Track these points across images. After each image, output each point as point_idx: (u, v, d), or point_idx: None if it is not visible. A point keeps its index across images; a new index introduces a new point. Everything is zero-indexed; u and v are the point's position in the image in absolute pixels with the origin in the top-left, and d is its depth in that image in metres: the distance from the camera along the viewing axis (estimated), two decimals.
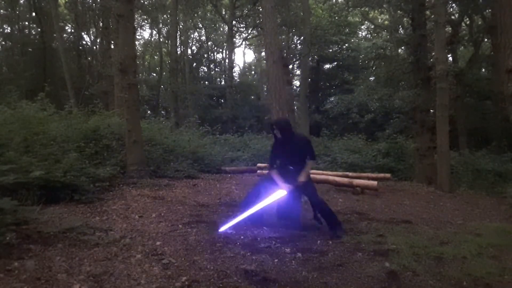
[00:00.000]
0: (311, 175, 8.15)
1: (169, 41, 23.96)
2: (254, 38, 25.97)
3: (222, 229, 3.89)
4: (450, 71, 10.34)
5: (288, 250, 3.45)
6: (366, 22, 22.84)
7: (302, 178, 4.03)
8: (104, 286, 2.50)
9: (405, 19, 13.83)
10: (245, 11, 21.65)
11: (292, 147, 4.12)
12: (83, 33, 20.93)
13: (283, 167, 4.14)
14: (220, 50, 30.37)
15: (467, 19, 14.92)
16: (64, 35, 20.91)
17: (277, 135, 4.13)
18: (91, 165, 5.71)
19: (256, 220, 4.14)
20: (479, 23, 14.76)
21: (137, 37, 25.19)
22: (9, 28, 21.69)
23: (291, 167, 4.09)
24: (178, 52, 23.27)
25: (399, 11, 13.20)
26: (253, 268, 2.94)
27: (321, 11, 20.88)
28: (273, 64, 7.59)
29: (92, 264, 2.83)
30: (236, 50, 34.21)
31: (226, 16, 23.08)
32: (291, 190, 4.03)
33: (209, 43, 29.50)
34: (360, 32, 24.35)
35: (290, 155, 4.13)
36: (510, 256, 3.43)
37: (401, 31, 15.64)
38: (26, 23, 22.02)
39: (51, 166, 4.75)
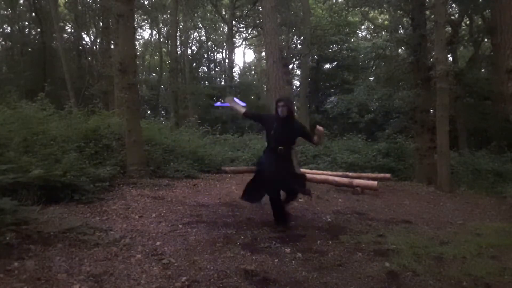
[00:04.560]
0: (311, 175, 8.22)
1: (169, 41, 23.94)
2: (254, 38, 25.97)
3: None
4: (450, 71, 10.29)
5: (288, 250, 3.45)
6: (366, 22, 22.83)
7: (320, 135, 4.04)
8: (104, 286, 2.50)
9: (405, 19, 13.79)
10: (245, 11, 21.64)
11: (290, 129, 4.13)
12: (83, 33, 20.92)
13: (273, 147, 4.16)
14: (220, 50, 30.43)
15: (467, 19, 14.91)
16: (64, 35, 20.89)
17: (282, 113, 4.06)
18: (91, 165, 5.69)
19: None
20: (479, 23, 14.75)
21: (137, 37, 25.25)
22: (9, 28, 21.65)
23: (281, 148, 4.09)
24: (178, 52, 23.23)
25: (399, 11, 13.17)
26: (253, 268, 2.94)
27: (321, 11, 20.86)
28: (273, 64, 7.57)
29: (92, 264, 2.83)
30: (236, 50, 34.33)
31: (226, 16, 23.09)
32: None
33: (209, 43, 29.50)
34: (360, 32, 24.35)
35: (285, 136, 4.13)
36: (510, 256, 3.43)
37: (401, 31, 15.61)
38: (26, 23, 21.96)
39: (51, 166, 4.74)
